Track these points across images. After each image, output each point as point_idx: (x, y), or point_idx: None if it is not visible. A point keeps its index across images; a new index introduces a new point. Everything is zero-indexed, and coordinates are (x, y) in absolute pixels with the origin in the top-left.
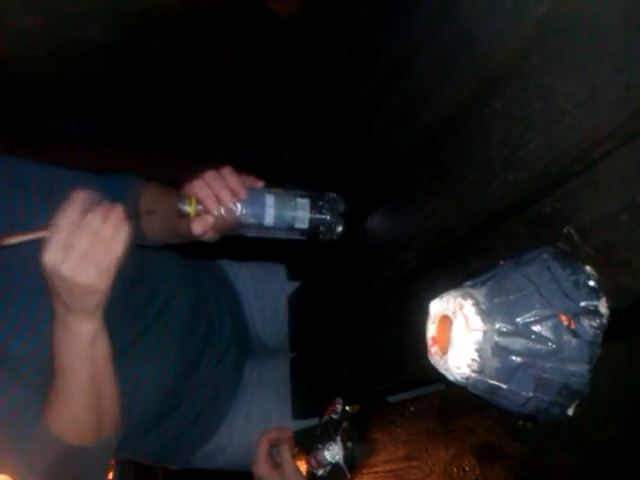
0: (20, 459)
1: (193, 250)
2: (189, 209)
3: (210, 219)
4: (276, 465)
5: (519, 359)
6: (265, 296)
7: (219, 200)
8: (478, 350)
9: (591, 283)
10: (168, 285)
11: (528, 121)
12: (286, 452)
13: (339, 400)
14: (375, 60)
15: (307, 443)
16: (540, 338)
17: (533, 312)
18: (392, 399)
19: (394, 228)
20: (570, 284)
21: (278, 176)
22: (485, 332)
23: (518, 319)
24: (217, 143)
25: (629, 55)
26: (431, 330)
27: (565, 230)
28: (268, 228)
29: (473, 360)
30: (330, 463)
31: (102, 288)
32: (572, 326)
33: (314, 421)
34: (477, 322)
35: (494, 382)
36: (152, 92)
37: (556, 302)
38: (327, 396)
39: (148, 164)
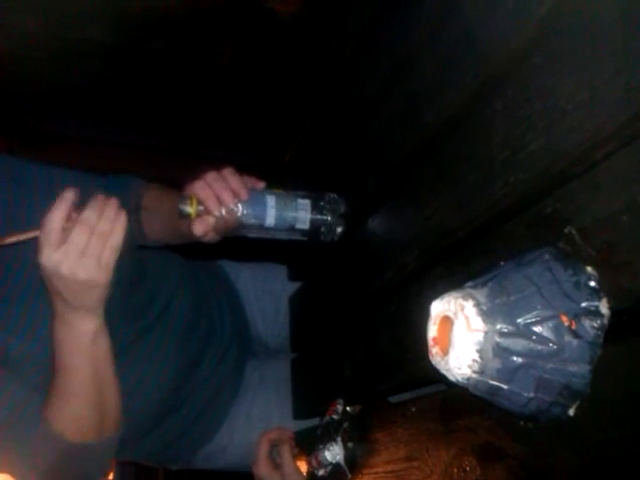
0: (21, 458)
1: (194, 251)
2: (190, 210)
3: (211, 220)
4: (277, 465)
5: (520, 360)
6: (266, 297)
7: (220, 201)
8: (479, 351)
9: (592, 284)
10: (169, 285)
11: (529, 122)
12: (287, 452)
13: (340, 400)
14: (376, 60)
15: (308, 443)
16: (541, 339)
17: (534, 313)
18: (393, 399)
19: (395, 229)
20: (571, 285)
21: (279, 177)
22: (486, 333)
23: (519, 320)
24: (218, 144)
25: (629, 56)
26: (432, 331)
27: (566, 231)
28: (269, 229)
29: (474, 361)
30: (331, 463)
31: (102, 282)
32: (573, 327)
33: (315, 421)
34: (478, 323)
35: (495, 383)
36: (152, 92)
37: (557, 303)
38: (328, 396)
39: (149, 165)
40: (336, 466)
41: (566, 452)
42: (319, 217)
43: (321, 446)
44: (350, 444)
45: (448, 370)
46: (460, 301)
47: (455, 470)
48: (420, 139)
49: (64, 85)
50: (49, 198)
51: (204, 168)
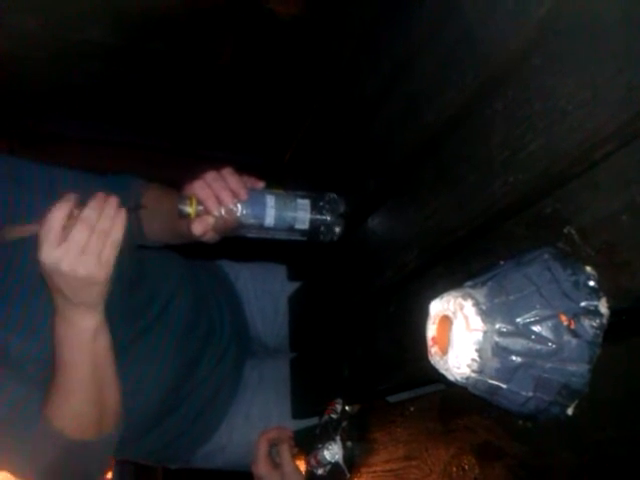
0: (21, 456)
1: (193, 251)
2: (190, 210)
3: (210, 220)
4: (276, 465)
5: (519, 359)
6: (265, 296)
7: (220, 201)
8: (478, 350)
9: (591, 283)
10: (169, 285)
11: (529, 122)
12: (286, 452)
13: (339, 400)
14: (376, 61)
15: (307, 443)
16: (540, 338)
17: (533, 312)
18: (392, 399)
19: (395, 228)
20: (570, 284)
21: (279, 177)
22: (485, 332)
23: (518, 319)
24: (218, 144)
25: (630, 56)
26: (431, 330)
27: (565, 230)
28: (268, 229)
29: (473, 360)
30: (330, 463)
31: (102, 279)
32: (572, 326)
33: (314, 421)
34: (477, 322)
35: (494, 382)
36: (152, 93)
37: (556, 302)
38: (327, 396)
39: (149, 165)
40: (335, 465)
41: (565, 451)
42: (318, 217)
43: (320, 445)
44: (349, 443)
45: (447, 369)
46: (459, 300)
47: (454, 469)
48: (420, 139)
49: (64, 85)
50: (49, 198)
51: (204, 168)
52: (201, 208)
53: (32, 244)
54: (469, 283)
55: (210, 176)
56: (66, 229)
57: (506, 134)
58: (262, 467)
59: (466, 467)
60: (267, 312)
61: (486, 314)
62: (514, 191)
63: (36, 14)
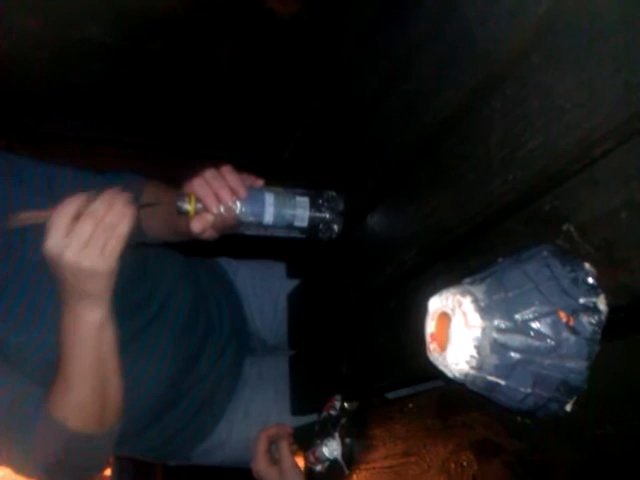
0: (21, 451)
1: (192, 248)
2: (188, 207)
3: (209, 217)
4: (275, 461)
5: (518, 355)
6: (264, 294)
7: (218, 198)
8: (477, 347)
9: (590, 280)
10: (168, 283)
11: (528, 120)
12: (285, 448)
13: (338, 397)
14: (375, 59)
15: (306, 439)
16: (539, 335)
17: (532, 309)
18: (391, 396)
19: (394, 226)
20: (569, 281)
21: (278, 174)
22: (484, 329)
23: (517, 316)
24: (217, 142)
25: (629, 56)
26: (430, 327)
27: (564, 228)
28: (267, 226)
29: (472, 356)
30: (328, 459)
31: (105, 271)
32: (571, 323)
33: (313, 417)
34: (476, 319)
35: (493, 378)
36: (152, 92)
37: (555, 299)
38: (326, 393)
39: (148, 163)
40: (334, 462)
41: (563, 448)
42: (317, 215)
43: (319, 442)
44: (348, 440)
45: (446, 366)
46: (458, 297)
47: (452, 465)
48: (419, 137)
49: (64, 85)
50: (48, 196)
51: (203, 166)
52: (200, 206)
53: (32, 240)
54: (468, 280)
55: (209, 174)
56: (75, 221)
57: (504, 132)
58: (261, 463)
59: (464, 463)
60: (266, 309)
61: (485, 311)
62: (513, 189)
63: (36, 14)
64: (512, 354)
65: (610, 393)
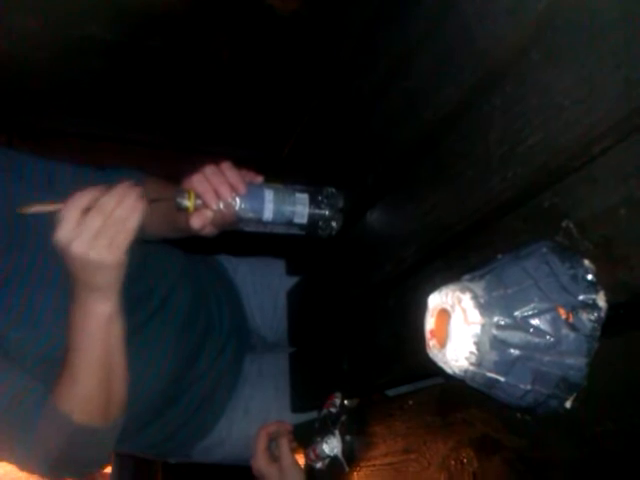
0: (23, 447)
1: (192, 245)
2: (188, 203)
3: (209, 213)
4: (275, 459)
5: (517, 352)
6: (264, 291)
7: (218, 195)
8: (476, 343)
9: (589, 277)
10: (168, 279)
11: (527, 117)
12: (285, 445)
13: (338, 394)
14: (375, 56)
15: (306, 436)
16: (538, 331)
17: (531, 305)
18: (391, 393)
19: (393, 223)
20: (568, 278)
21: (277, 171)
22: (483, 325)
23: (516, 312)
24: (216, 138)
25: (629, 52)
26: (430, 323)
27: (564, 224)
28: (267, 223)
29: (471, 353)
30: (328, 456)
31: (114, 264)
32: (570, 319)
33: (313, 415)
34: (475, 315)
35: (492, 375)
36: (152, 88)
37: (554, 295)
38: (326, 390)
39: (147, 160)
40: (334, 459)
41: (563, 444)
42: (317, 211)
43: (319, 439)
44: (348, 437)
45: (445, 362)
46: (457, 294)
47: (452, 462)
48: (419, 134)
49: (64, 82)
50: (48, 191)
51: (202, 162)
52: (199, 202)
53: (34, 236)
54: (467, 276)
55: (209, 170)
56: (85, 214)
57: (504, 129)
58: (261, 461)
59: (464, 460)
60: (266, 306)
61: (484, 307)
62: (512, 186)
63: (36, 14)
64: (512, 350)
65: (610, 390)
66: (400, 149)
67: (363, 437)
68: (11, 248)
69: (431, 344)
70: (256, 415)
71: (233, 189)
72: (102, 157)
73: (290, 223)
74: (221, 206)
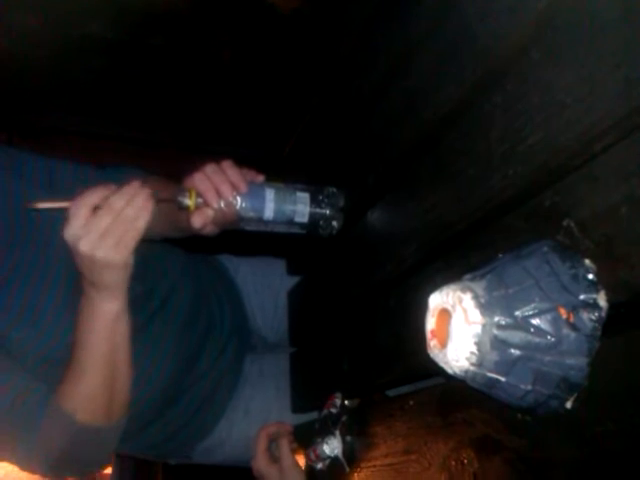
0: (25, 447)
1: (193, 245)
2: (189, 202)
3: (210, 212)
4: (275, 459)
5: (518, 352)
6: (265, 291)
7: (219, 193)
8: (477, 343)
9: (590, 276)
10: (169, 279)
11: (528, 115)
12: (285, 446)
13: (338, 394)
14: (375, 55)
15: (306, 437)
16: (539, 331)
17: (532, 305)
18: (391, 393)
19: (394, 223)
20: (569, 277)
21: (278, 170)
22: (484, 325)
23: (517, 312)
24: (218, 137)
25: (629, 51)
26: (430, 323)
27: (565, 223)
28: (268, 222)
29: (472, 353)
30: (329, 457)
31: (120, 264)
32: (571, 319)
33: (313, 415)
34: (476, 315)
35: (493, 375)
36: (153, 87)
37: (555, 295)
38: (327, 390)
39: (148, 158)
40: (334, 459)
41: (564, 445)
42: (318, 210)
43: (319, 440)
44: (348, 437)
45: (446, 363)
46: (458, 293)
47: (453, 463)
48: (419, 133)
49: (65, 80)
50: (49, 190)
51: (203, 161)
52: (200, 201)
53: (35, 236)
54: (468, 276)
55: (210, 169)
56: (94, 213)
57: (505, 128)
58: (261, 462)
59: (465, 461)
60: (267, 307)
61: (485, 307)
62: (513, 184)
63: (36, 12)
64: (512, 350)
65: (610, 390)
66: (401, 148)
67: (364, 438)
68: (12, 247)
69: (432, 344)
70: (256, 416)
71: (234, 188)
72: (102, 155)
73: (291, 222)
74: (222, 205)
